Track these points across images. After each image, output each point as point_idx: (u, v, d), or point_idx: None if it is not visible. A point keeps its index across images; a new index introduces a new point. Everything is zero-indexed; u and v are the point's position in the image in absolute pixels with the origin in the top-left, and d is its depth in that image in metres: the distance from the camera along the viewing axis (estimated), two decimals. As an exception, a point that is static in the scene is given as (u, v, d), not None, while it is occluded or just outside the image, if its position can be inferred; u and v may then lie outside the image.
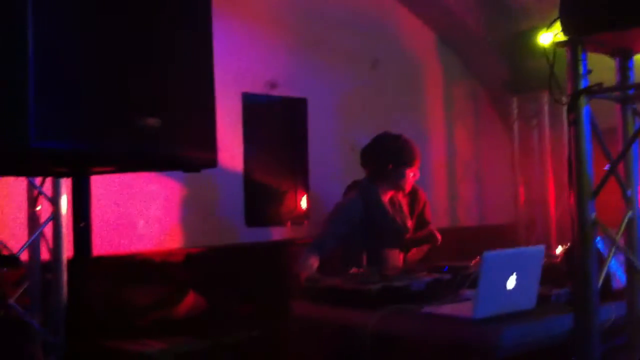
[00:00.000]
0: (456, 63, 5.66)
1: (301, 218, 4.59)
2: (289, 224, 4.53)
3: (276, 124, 4.54)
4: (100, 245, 3.68)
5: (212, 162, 1.52)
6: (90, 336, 3.46)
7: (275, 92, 4.51)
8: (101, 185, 3.69)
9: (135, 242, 3.88)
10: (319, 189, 4.66)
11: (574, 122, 2.06)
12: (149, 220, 3.94)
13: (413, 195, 3.82)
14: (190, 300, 3.61)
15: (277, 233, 4.49)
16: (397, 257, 3.65)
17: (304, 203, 4.60)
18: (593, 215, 2.04)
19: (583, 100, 2.05)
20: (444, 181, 5.61)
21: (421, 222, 3.88)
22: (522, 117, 5.48)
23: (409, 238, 3.67)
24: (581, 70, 2.04)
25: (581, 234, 2.02)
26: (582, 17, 1.94)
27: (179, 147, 1.42)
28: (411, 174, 3.56)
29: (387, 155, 3.54)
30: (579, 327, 2.03)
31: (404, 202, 3.76)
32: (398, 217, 3.61)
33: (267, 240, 4.42)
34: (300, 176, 4.63)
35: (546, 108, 5.30)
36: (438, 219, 5.45)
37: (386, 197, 3.62)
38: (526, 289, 2.58)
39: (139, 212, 3.89)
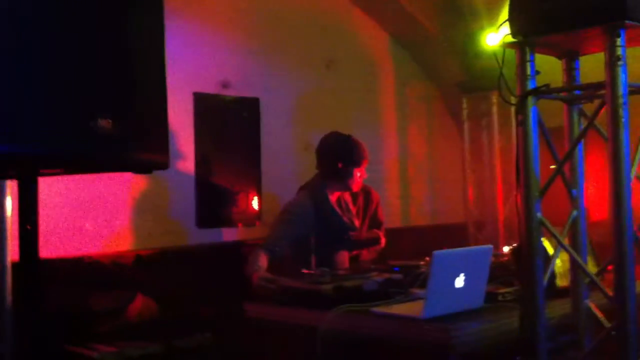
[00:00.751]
0: (410, 63, 5.71)
1: (253, 219, 4.57)
2: (240, 225, 4.50)
3: (228, 124, 4.51)
4: (47, 249, 3.60)
5: (164, 164, 1.51)
6: (40, 341, 3.40)
7: (228, 92, 4.48)
8: (47, 187, 3.61)
9: (83, 245, 3.81)
10: (272, 190, 4.64)
11: (522, 123, 2.09)
12: (97, 222, 3.87)
13: (366, 196, 3.85)
14: (139, 303, 3.56)
15: (229, 234, 4.46)
16: (344, 257, 3.67)
17: (256, 204, 4.58)
18: (539, 214, 2.08)
19: (531, 101, 2.09)
20: (397, 181, 5.66)
21: (374, 222, 3.91)
22: (472, 117, 5.56)
23: (355, 239, 3.68)
24: (529, 71, 2.08)
25: (528, 233, 2.06)
26: (529, 20, 1.98)
27: (130, 149, 1.39)
28: (358, 174, 3.59)
29: (335, 155, 3.56)
30: (526, 326, 2.07)
31: (356, 202, 3.78)
32: (345, 217, 3.64)
33: (219, 241, 4.39)
34: (253, 177, 4.61)
35: (495, 108, 5.39)
36: (391, 218, 5.50)
37: (334, 197, 3.64)
38: (474, 288, 2.62)
39: (86, 214, 3.82)
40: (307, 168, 3.89)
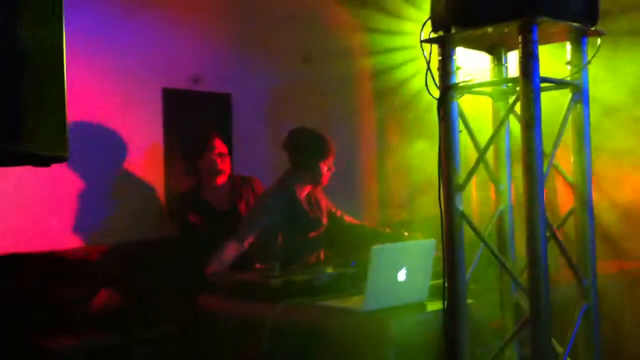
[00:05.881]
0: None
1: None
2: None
3: (199, 120, 4.51)
4: (17, 244, 3.64)
5: (61, 158, 1.52)
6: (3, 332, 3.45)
7: (199, 88, 4.49)
8: (17, 181, 3.65)
9: (53, 240, 3.84)
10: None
11: (443, 118, 2.11)
12: (66, 217, 3.90)
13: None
14: (104, 296, 3.61)
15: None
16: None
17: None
18: (460, 208, 2.10)
19: (451, 96, 2.11)
20: (375, 177, 5.66)
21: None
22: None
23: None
24: (450, 67, 2.10)
25: (449, 227, 2.07)
26: (448, 15, 2.00)
27: (19, 145, 1.39)
28: (326, 168, 3.61)
29: (307, 150, 3.58)
30: (448, 324, 2.07)
31: (321, 198, 3.79)
32: (312, 214, 3.64)
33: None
34: (225, 171, 4.62)
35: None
36: (369, 214, 5.52)
37: (304, 192, 3.65)
38: (418, 282, 2.65)
39: (54, 209, 3.85)
40: (280, 163, 3.87)
